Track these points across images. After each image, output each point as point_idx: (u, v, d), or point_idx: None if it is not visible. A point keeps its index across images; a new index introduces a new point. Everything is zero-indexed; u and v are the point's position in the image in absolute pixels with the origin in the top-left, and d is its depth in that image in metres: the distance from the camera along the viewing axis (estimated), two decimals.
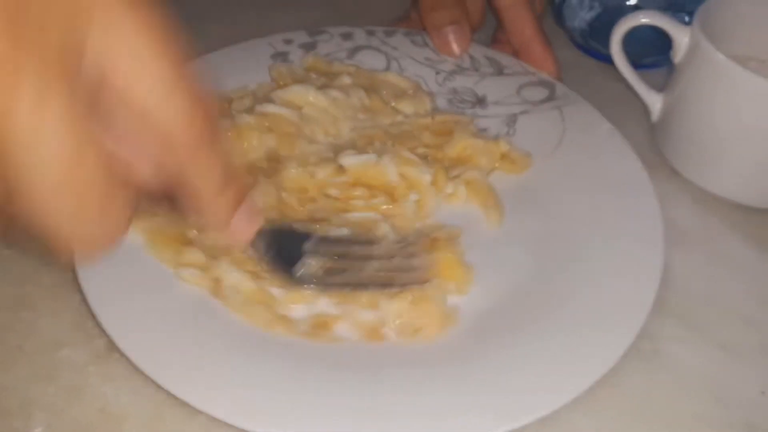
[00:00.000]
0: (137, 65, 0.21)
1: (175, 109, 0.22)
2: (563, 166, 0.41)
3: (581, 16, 0.50)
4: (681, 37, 0.40)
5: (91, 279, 0.33)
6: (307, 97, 0.42)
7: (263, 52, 0.47)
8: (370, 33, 0.50)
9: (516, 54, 0.48)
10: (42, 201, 0.20)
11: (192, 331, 0.32)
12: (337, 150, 0.40)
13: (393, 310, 0.33)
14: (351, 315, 0.34)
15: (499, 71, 0.47)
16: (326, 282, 0.34)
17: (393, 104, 0.44)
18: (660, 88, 0.44)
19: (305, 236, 0.34)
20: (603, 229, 0.38)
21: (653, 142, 0.45)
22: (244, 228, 0.27)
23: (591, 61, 0.51)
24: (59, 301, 0.34)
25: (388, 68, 0.47)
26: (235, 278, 0.34)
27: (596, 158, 0.41)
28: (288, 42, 0.48)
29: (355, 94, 0.43)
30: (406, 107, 0.44)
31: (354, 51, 0.48)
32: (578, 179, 0.40)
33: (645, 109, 0.45)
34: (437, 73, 0.47)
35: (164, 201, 0.26)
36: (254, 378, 0.31)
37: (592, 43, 0.51)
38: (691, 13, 0.42)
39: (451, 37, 0.47)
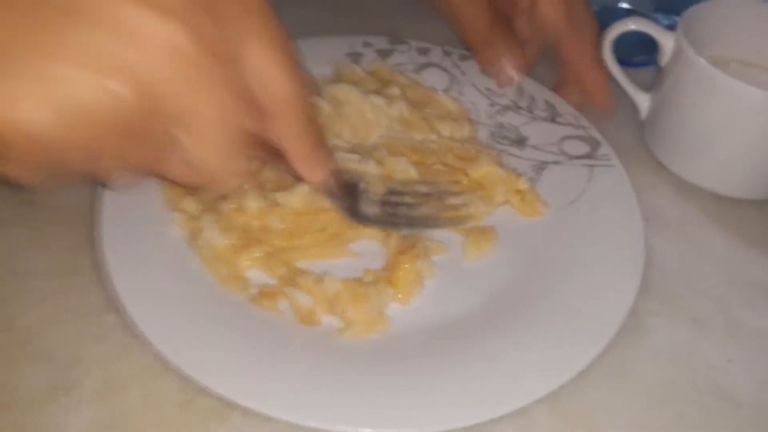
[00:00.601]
0: (268, 57, 0.27)
1: (284, 81, 0.28)
2: (570, 218, 0.42)
3: None
4: (666, 42, 0.44)
5: (116, 256, 0.37)
6: (350, 96, 0.44)
7: (340, 49, 0.50)
8: (447, 53, 0.51)
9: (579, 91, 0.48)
10: (202, 150, 0.27)
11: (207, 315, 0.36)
12: (356, 152, 0.43)
13: (329, 295, 0.37)
14: (293, 296, 0.37)
15: (552, 117, 0.47)
16: (385, 220, 0.39)
17: (434, 124, 0.45)
18: (648, 87, 0.48)
19: (360, 181, 0.40)
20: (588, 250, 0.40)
21: (641, 137, 0.49)
22: (322, 174, 0.34)
23: None
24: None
25: (448, 89, 0.49)
26: (212, 234, 0.38)
27: (601, 224, 0.41)
28: (367, 45, 0.51)
29: (398, 106, 0.45)
30: (445, 129, 0.45)
31: (423, 66, 0.50)
32: (579, 232, 0.41)
33: (634, 107, 0.49)
34: (491, 104, 0.48)
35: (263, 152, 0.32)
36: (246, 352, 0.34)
37: None
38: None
39: (507, 68, 0.47)
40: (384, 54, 0.51)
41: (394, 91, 0.46)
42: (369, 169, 0.41)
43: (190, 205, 0.40)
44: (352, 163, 0.41)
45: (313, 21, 0.55)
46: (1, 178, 0.25)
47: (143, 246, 0.38)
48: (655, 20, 0.52)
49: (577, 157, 0.45)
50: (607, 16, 0.53)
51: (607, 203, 0.42)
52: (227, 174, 0.28)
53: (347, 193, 0.38)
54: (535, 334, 0.36)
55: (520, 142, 0.46)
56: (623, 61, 0.49)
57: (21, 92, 0.22)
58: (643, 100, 0.48)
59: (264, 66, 0.27)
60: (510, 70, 0.48)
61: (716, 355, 0.38)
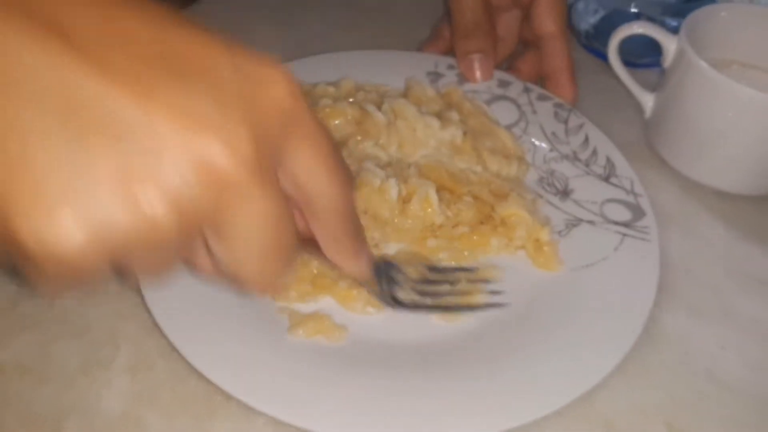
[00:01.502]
0: (311, 163, 0.26)
1: (328, 186, 0.27)
2: (579, 281, 0.41)
3: (587, 20, 0.56)
4: (669, 45, 0.46)
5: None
6: (407, 112, 0.45)
7: (424, 67, 0.51)
8: (527, 90, 0.51)
9: (536, 79, 0.52)
10: (244, 255, 0.25)
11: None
12: (390, 165, 0.44)
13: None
14: None
15: (607, 177, 0.46)
16: (418, 305, 0.39)
17: (483, 155, 0.45)
18: (653, 87, 0.50)
19: (394, 265, 0.40)
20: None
21: (645, 135, 0.51)
22: (361, 271, 0.33)
23: (595, 60, 0.57)
24: None
25: (514, 125, 0.49)
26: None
27: (606, 295, 0.40)
28: (450, 67, 0.52)
29: (451, 130, 0.45)
30: (493, 163, 0.45)
31: (497, 98, 0.50)
32: (582, 296, 0.40)
33: (639, 106, 0.51)
34: (551, 150, 0.48)
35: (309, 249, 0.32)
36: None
37: (596, 44, 0.56)
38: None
39: (476, 65, 0.50)
40: (463, 79, 0.51)
41: (453, 115, 0.46)
42: (389, 187, 0.41)
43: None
44: (372, 175, 0.42)
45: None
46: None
47: None
48: (663, 23, 0.54)
49: (615, 223, 0.43)
50: (617, 19, 0.55)
51: (624, 276, 0.40)
52: (255, 284, 0.27)
53: (382, 278, 0.38)
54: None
55: (565, 193, 0.45)
56: (631, 63, 0.51)
57: (55, 214, 0.21)
58: (647, 100, 0.50)
59: (307, 172, 0.26)
60: (477, 68, 0.50)
61: (711, 342, 0.40)
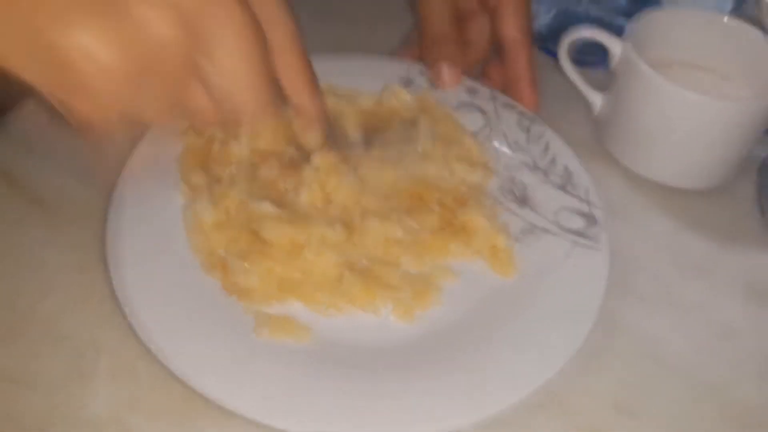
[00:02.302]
0: None
1: (293, 26, 0.35)
2: (531, 287, 0.43)
3: (539, 20, 0.59)
4: (614, 47, 0.49)
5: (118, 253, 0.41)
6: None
7: (396, 72, 0.53)
8: (493, 97, 0.52)
9: (503, 88, 0.53)
10: (226, 78, 0.31)
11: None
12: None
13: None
14: (233, 268, 0.42)
15: (563, 185, 0.47)
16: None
17: (452, 164, 0.47)
18: (601, 86, 0.53)
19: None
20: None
21: (594, 133, 0.54)
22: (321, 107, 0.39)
23: (548, 60, 0.59)
24: None
25: (478, 132, 0.50)
26: (203, 206, 0.42)
27: (555, 301, 0.42)
28: (421, 74, 0.53)
29: (423, 142, 0.47)
30: (459, 170, 0.47)
31: (464, 105, 0.51)
32: (532, 301, 0.42)
33: (588, 104, 0.54)
34: (512, 158, 0.49)
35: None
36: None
37: (549, 44, 0.59)
38: None
39: (444, 73, 0.51)
40: (433, 85, 0.52)
41: (423, 122, 0.48)
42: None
43: (197, 177, 0.44)
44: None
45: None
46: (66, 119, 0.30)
47: (146, 243, 0.42)
48: (612, 23, 0.57)
49: (568, 231, 0.45)
50: (568, 19, 0.58)
51: (573, 282, 0.42)
52: (249, 105, 0.32)
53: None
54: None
55: (523, 201, 0.47)
56: (580, 61, 0.54)
57: (100, 28, 0.27)
58: (596, 99, 0.53)
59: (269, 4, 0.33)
60: (445, 75, 0.51)
61: (658, 328, 0.43)
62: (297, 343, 0.39)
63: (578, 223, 0.45)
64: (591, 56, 0.57)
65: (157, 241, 0.42)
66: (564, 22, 0.56)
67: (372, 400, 0.37)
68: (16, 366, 0.38)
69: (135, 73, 0.29)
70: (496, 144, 0.50)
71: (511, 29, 0.52)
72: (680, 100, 0.46)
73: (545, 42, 0.59)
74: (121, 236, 0.42)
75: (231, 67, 0.31)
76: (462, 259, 0.44)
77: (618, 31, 0.50)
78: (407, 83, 0.53)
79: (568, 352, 0.39)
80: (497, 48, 0.55)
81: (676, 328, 0.43)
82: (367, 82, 0.52)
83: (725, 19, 0.51)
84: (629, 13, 0.56)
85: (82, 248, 0.43)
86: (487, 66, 0.55)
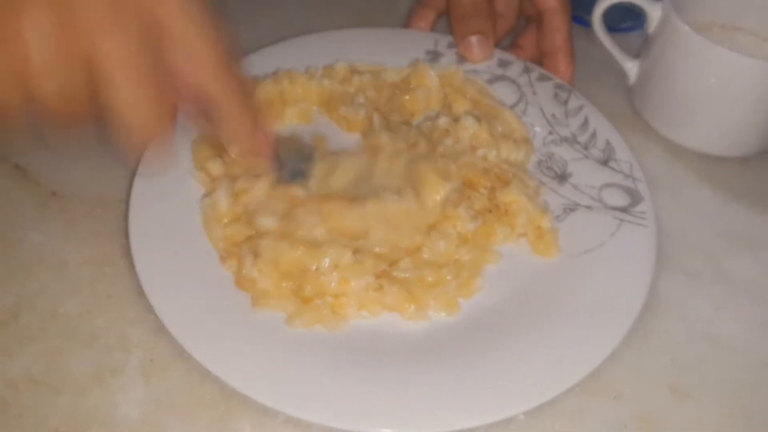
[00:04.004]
0: (183, 15, 0.31)
1: (202, 43, 0.32)
2: (577, 268, 0.41)
3: None
4: (653, 11, 0.46)
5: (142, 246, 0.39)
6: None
7: (422, 45, 0.51)
8: (527, 70, 0.50)
9: (538, 58, 0.52)
10: (120, 103, 0.30)
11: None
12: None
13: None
14: (245, 261, 0.39)
15: (606, 160, 0.45)
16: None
17: (499, 142, 0.44)
18: (635, 53, 0.50)
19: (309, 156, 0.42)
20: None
21: (630, 101, 0.52)
22: (259, 144, 0.37)
23: (578, 27, 0.56)
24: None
25: (515, 105, 0.48)
26: (220, 196, 0.41)
27: (602, 281, 0.40)
28: (450, 46, 0.51)
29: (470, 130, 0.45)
30: (504, 148, 0.45)
31: (498, 78, 0.49)
32: (579, 282, 0.40)
33: (623, 72, 0.51)
34: (550, 132, 0.47)
35: (203, 118, 0.35)
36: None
37: (578, 11, 0.56)
38: None
39: (475, 47, 0.50)
40: (463, 58, 0.50)
41: (463, 110, 0.47)
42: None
43: (215, 166, 0.42)
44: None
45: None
46: None
47: (169, 236, 0.40)
48: None
49: (612, 208, 0.43)
50: None
51: (621, 262, 0.40)
52: (143, 128, 0.32)
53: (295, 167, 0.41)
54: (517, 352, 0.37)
55: (563, 177, 0.45)
56: (611, 28, 0.51)
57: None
58: (631, 67, 0.50)
59: (181, 32, 0.31)
60: (476, 48, 0.50)
61: (706, 304, 0.41)
62: (331, 334, 0.38)
63: (623, 199, 0.43)
64: (623, 23, 0.55)
65: (181, 235, 0.40)
66: None
67: (417, 392, 0.35)
68: (42, 368, 0.37)
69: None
70: (532, 118, 0.48)
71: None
72: (723, 62, 0.44)
73: (576, 10, 0.56)
74: (144, 231, 0.40)
75: (118, 91, 0.30)
76: (506, 242, 0.42)
77: None
78: (435, 58, 0.50)
79: (618, 335, 0.37)
80: (530, 18, 0.53)
81: (727, 305, 0.41)
82: (392, 56, 0.49)
83: None
84: None
85: (103, 241, 0.42)
86: (519, 37, 0.53)
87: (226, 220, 0.41)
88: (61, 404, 0.36)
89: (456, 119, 0.45)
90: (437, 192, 0.41)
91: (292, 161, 0.41)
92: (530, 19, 0.53)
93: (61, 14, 0.29)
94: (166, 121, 0.32)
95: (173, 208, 0.41)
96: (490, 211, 0.42)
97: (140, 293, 0.38)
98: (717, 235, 0.45)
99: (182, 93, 0.33)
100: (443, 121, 0.45)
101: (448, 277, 0.40)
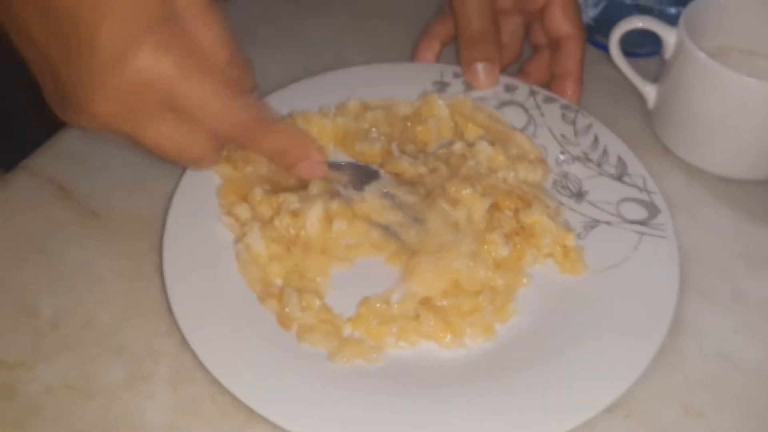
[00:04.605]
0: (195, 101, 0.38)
1: (230, 119, 0.39)
2: (604, 283, 0.42)
3: (587, 13, 0.57)
4: (669, 37, 0.47)
5: (173, 265, 0.41)
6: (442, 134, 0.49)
7: (429, 77, 0.52)
8: (533, 93, 0.51)
9: (546, 83, 0.53)
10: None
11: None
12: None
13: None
14: (289, 299, 0.41)
15: (619, 176, 0.46)
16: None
17: (515, 163, 0.46)
18: (654, 77, 0.51)
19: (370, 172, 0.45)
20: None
21: (649, 125, 0.52)
22: (309, 175, 0.43)
23: (598, 52, 0.58)
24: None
25: (524, 128, 0.49)
26: (253, 238, 0.42)
27: (632, 296, 0.41)
28: (456, 75, 0.52)
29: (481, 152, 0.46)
30: (521, 169, 0.45)
31: (505, 104, 0.51)
32: (608, 298, 0.41)
33: (642, 96, 0.52)
34: (562, 152, 0.48)
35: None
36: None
37: (598, 36, 0.58)
38: None
39: (481, 73, 0.51)
40: (469, 86, 0.52)
41: (475, 135, 0.48)
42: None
43: (242, 210, 0.44)
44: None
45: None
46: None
47: (198, 254, 0.42)
48: (662, 12, 0.55)
49: (631, 222, 0.44)
50: (616, 11, 0.56)
51: (647, 275, 0.41)
52: (194, 155, 0.40)
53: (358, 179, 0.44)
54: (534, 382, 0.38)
55: (579, 195, 0.46)
56: (631, 53, 0.52)
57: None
58: (650, 91, 0.51)
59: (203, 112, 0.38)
60: (482, 74, 0.51)
61: (723, 325, 0.42)
62: (371, 366, 0.39)
63: (641, 213, 0.44)
64: (641, 48, 0.56)
65: (211, 264, 0.42)
66: (613, 14, 0.55)
67: (456, 417, 0.36)
68: (77, 374, 0.39)
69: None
70: (542, 138, 0.49)
71: (566, 24, 0.51)
72: (739, 87, 0.44)
73: (593, 35, 0.58)
74: (176, 253, 0.42)
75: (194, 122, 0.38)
76: (534, 264, 0.43)
77: (669, 21, 0.48)
78: (442, 88, 0.52)
79: (649, 354, 0.38)
80: (537, 47, 0.54)
81: (744, 325, 0.42)
82: (402, 90, 0.51)
83: None
84: (679, 2, 0.54)
85: (137, 258, 0.44)
86: (526, 64, 0.54)
87: (262, 261, 0.42)
88: (92, 409, 0.38)
89: (471, 144, 0.46)
90: (480, 207, 0.43)
91: (356, 172, 0.45)
92: (537, 47, 0.55)
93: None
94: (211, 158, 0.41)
95: (205, 238, 0.43)
96: (518, 234, 0.43)
97: (169, 308, 0.40)
98: (735, 256, 0.45)
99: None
100: (459, 147, 0.46)
101: (485, 304, 0.41)
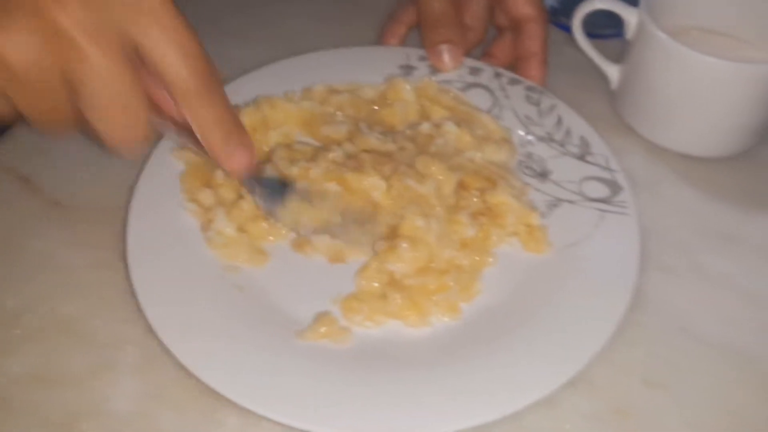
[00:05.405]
0: (161, 39, 0.32)
1: (181, 68, 0.33)
2: (566, 260, 0.42)
3: None
4: (630, 17, 0.48)
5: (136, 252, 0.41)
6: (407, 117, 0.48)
7: (395, 60, 0.52)
8: (497, 75, 0.52)
9: (511, 65, 0.53)
10: (96, 110, 0.32)
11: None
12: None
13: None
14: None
15: (582, 155, 0.47)
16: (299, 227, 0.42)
17: (481, 144, 0.46)
18: (617, 58, 0.52)
19: (290, 185, 0.43)
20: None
21: (613, 105, 0.53)
22: (237, 159, 0.37)
23: (563, 34, 0.58)
24: None
25: (489, 110, 0.49)
26: (221, 223, 0.42)
27: (592, 272, 0.41)
28: (422, 59, 0.52)
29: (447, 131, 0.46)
30: (488, 150, 0.46)
31: (470, 86, 0.51)
32: (569, 275, 0.41)
33: (605, 77, 0.53)
34: (527, 133, 0.48)
35: (187, 134, 0.37)
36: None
37: (563, 19, 0.58)
38: None
39: (445, 55, 0.51)
40: (435, 69, 0.52)
41: (439, 116, 0.48)
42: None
43: (205, 196, 0.44)
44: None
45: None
46: None
47: (162, 241, 0.42)
48: None
49: (594, 200, 0.44)
50: None
51: (608, 252, 0.42)
52: (122, 139, 0.34)
53: (273, 191, 0.42)
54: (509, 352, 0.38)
55: (543, 175, 0.46)
56: (596, 34, 0.53)
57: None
58: (613, 72, 0.52)
59: (157, 54, 0.32)
60: (446, 56, 0.51)
61: (683, 299, 0.42)
62: (337, 346, 0.39)
63: (603, 191, 0.45)
64: (605, 29, 0.56)
65: (175, 250, 0.42)
66: None
67: (414, 395, 0.36)
68: (43, 365, 0.39)
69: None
70: (507, 120, 0.49)
71: (526, 6, 0.51)
72: (699, 66, 0.45)
73: (558, 16, 0.58)
74: (139, 240, 0.42)
75: (91, 104, 0.32)
76: (500, 244, 0.43)
77: (631, 2, 0.49)
78: (408, 71, 0.52)
79: (610, 327, 0.38)
80: (501, 28, 0.55)
81: (704, 299, 0.42)
82: (368, 74, 0.51)
83: None
84: None
85: (101, 246, 0.44)
86: (491, 46, 0.55)
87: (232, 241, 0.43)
88: (59, 398, 0.38)
89: (437, 125, 0.47)
90: (449, 182, 0.43)
91: (272, 187, 0.43)
92: (501, 29, 0.55)
93: (44, 22, 0.30)
94: (139, 133, 0.34)
95: (169, 225, 0.43)
96: (483, 214, 0.44)
97: (134, 296, 0.40)
98: (695, 232, 0.46)
99: (161, 107, 0.36)
100: (426, 127, 0.46)
101: (451, 283, 0.41)
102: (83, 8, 0.30)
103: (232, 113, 0.36)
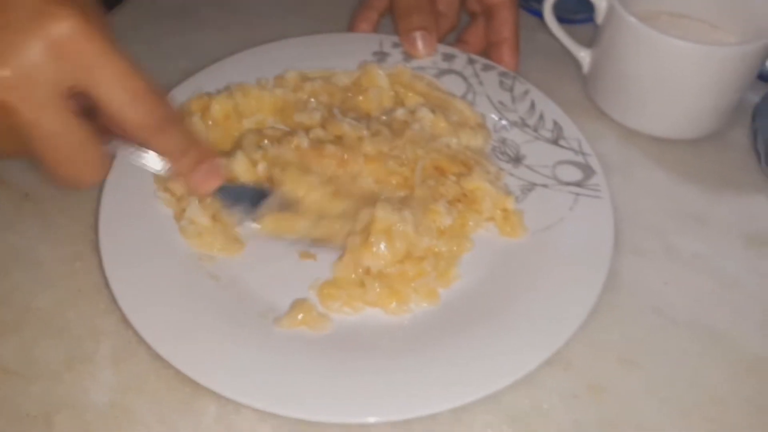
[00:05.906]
0: (108, 86, 0.32)
1: (131, 111, 0.33)
2: (541, 244, 0.43)
3: None
4: (600, 2, 0.48)
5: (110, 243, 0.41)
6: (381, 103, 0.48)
7: (368, 47, 0.52)
8: (471, 61, 0.52)
9: (484, 50, 0.53)
10: (46, 155, 0.32)
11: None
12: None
13: None
14: None
15: (555, 139, 0.47)
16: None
17: (457, 129, 0.46)
18: (588, 43, 0.52)
19: (261, 194, 0.43)
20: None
21: (585, 89, 0.53)
22: (204, 183, 0.39)
23: (534, 19, 0.58)
24: None
25: (463, 96, 0.50)
26: (193, 212, 0.42)
27: (567, 255, 0.42)
28: (395, 45, 0.52)
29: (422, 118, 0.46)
30: (463, 135, 0.46)
31: (444, 72, 0.51)
32: (544, 258, 0.42)
33: (577, 62, 0.53)
34: (500, 119, 0.49)
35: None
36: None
37: (534, 4, 0.58)
38: None
39: (419, 42, 0.51)
40: (409, 56, 0.52)
41: (415, 103, 0.48)
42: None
43: (177, 185, 0.43)
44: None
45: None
46: None
47: (135, 231, 0.42)
48: None
49: (567, 183, 0.45)
50: None
51: (582, 235, 0.42)
52: (76, 183, 0.34)
53: (249, 199, 0.42)
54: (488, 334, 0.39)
55: (517, 160, 0.47)
56: (567, 19, 0.53)
57: None
58: (584, 56, 0.52)
59: (108, 98, 0.32)
60: (420, 43, 0.51)
61: (656, 280, 0.43)
62: (315, 333, 0.39)
63: (576, 175, 0.45)
64: (576, 14, 0.57)
65: (149, 240, 0.42)
66: None
67: (393, 380, 0.36)
68: (17, 358, 0.38)
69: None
70: (481, 106, 0.49)
71: None
72: (669, 49, 0.45)
73: (529, 1, 0.59)
74: (112, 231, 0.41)
75: (44, 152, 0.32)
76: (477, 229, 0.44)
77: None
78: (381, 58, 0.52)
79: (586, 308, 0.39)
80: (473, 14, 0.55)
81: (677, 280, 0.43)
82: (341, 60, 0.51)
83: None
84: None
85: (74, 239, 0.43)
86: (464, 32, 0.55)
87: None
88: (35, 392, 0.37)
89: (412, 111, 0.47)
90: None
91: (247, 196, 0.42)
92: (474, 15, 0.55)
93: None
94: (93, 175, 0.34)
95: (139, 218, 0.43)
96: (460, 201, 0.44)
97: (108, 287, 0.39)
98: (667, 214, 0.46)
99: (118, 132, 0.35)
100: (401, 113, 0.46)
101: (429, 269, 0.41)
102: (16, 74, 0.30)
103: (192, 141, 0.37)
